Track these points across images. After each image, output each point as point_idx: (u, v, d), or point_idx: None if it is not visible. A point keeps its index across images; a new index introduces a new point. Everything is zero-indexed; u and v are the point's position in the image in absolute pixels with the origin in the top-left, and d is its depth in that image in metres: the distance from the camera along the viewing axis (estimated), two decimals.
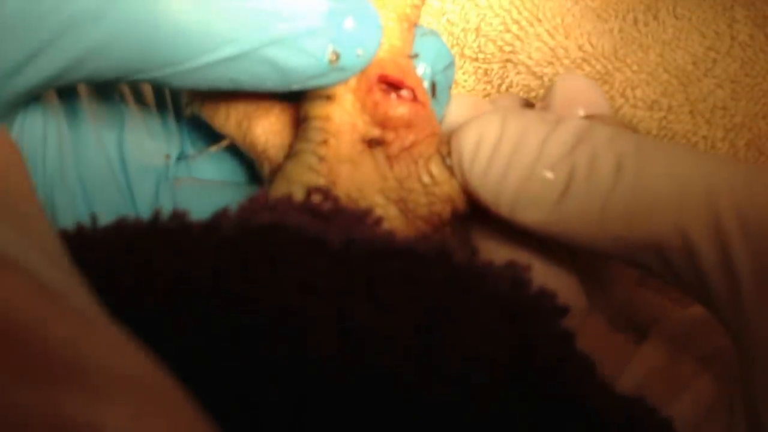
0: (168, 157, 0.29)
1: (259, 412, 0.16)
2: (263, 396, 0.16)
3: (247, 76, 0.23)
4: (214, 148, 0.31)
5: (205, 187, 0.30)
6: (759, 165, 0.36)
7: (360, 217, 0.19)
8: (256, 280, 0.16)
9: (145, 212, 0.28)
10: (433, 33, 0.28)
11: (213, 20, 0.22)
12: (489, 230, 0.25)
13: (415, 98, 0.25)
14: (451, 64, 0.28)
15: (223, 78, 0.23)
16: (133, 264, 0.16)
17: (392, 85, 0.25)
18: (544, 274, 0.25)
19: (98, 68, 0.22)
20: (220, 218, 0.17)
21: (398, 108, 0.24)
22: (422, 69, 0.27)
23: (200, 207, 0.29)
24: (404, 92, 0.25)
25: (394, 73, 0.25)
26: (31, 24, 0.21)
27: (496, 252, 0.25)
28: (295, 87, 0.24)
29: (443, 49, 0.28)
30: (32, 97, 0.25)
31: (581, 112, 0.27)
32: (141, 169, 0.28)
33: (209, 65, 0.23)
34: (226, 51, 0.22)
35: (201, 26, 0.22)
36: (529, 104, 0.30)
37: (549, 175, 0.22)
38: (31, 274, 0.10)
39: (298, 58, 0.23)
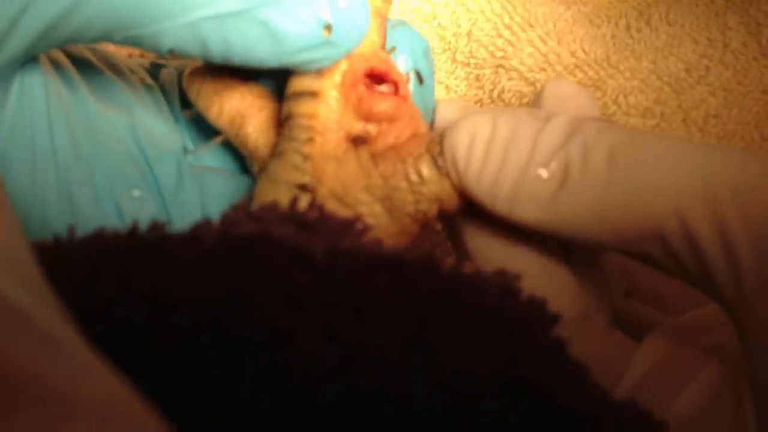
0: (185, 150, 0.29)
1: (242, 427, 0.16)
2: (247, 411, 0.16)
3: (239, 37, 0.23)
4: (218, 140, 0.31)
5: (224, 174, 0.30)
6: (751, 149, 0.36)
7: (346, 226, 0.19)
8: (238, 293, 0.16)
9: (169, 195, 0.27)
10: (402, 23, 0.28)
11: None
12: (484, 233, 0.25)
13: (396, 91, 0.25)
14: (427, 49, 0.28)
15: (215, 38, 0.23)
16: (112, 277, 0.16)
17: (377, 79, 0.25)
18: (540, 274, 0.25)
19: (87, 20, 0.22)
20: (201, 230, 0.17)
21: (381, 103, 0.24)
22: (403, 60, 0.27)
23: (224, 192, 0.29)
24: (384, 87, 0.25)
25: (379, 66, 0.25)
26: None
27: (491, 255, 0.25)
28: (286, 59, 0.24)
29: (416, 36, 0.28)
30: (25, 61, 0.24)
31: None
32: (159, 154, 0.28)
33: (201, 21, 0.22)
34: (220, 6, 0.22)
35: None
36: None
37: (544, 170, 0.22)
38: None
39: (293, 23, 0.23)
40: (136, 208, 0.26)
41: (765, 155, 0.20)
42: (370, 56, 0.25)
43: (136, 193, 0.26)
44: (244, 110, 0.27)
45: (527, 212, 0.22)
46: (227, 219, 0.17)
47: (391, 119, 0.24)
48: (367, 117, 0.24)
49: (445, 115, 0.28)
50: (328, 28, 0.23)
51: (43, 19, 0.21)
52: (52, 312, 0.12)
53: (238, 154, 0.30)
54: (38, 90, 0.25)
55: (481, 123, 0.23)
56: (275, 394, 0.16)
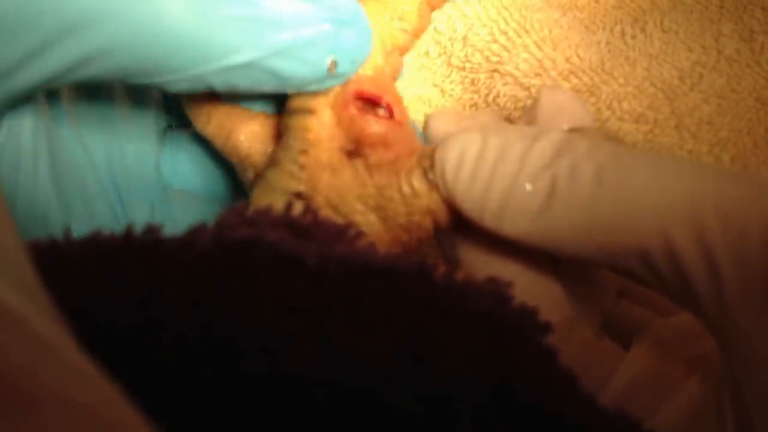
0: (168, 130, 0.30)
1: (234, 428, 0.16)
2: (239, 412, 0.16)
3: (246, 82, 0.24)
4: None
5: (197, 207, 0.30)
6: (740, 171, 0.37)
7: (340, 232, 0.19)
8: (232, 297, 0.16)
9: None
10: None
11: (215, 30, 0.22)
12: (473, 241, 0.25)
13: (391, 116, 0.25)
14: None
15: (222, 84, 0.23)
16: (106, 279, 0.16)
17: (370, 102, 0.25)
18: (528, 284, 0.25)
19: (97, 72, 0.22)
20: (196, 234, 0.17)
21: (373, 126, 0.24)
22: None
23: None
24: (380, 111, 0.25)
25: (370, 89, 0.25)
26: (29, 25, 0.21)
27: (480, 263, 0.25)
28: (291, 91, 0.25)
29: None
30: (25, 98, 0.24)
31: (565, 126, 0.27)
32: (133, 192, 0.28)
33: (210, 73, 0.23)
34: (228, 60, 0.23)
35: (203, 36, 0.22)
36: (509, 121, 0.31)
37: (531, 187, 0.22)
38: None
39: (299, 66, 0.24)
40: None
41: (750, 175, 0.21)
42: (364, 79, 0.25)
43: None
44: (233, 118, 0.27)
45: (514, 227, 0.23)
46: (222, 223, 0.18)
47: (384, 143, 0.24)
48: (359, 138, 0.25)
49: (437, 127, 0.28)
50: (334, 63, 0.24)
51: (54, 65, 0.21)
52: (46, 314, 0.12)
53: (220, 173, 0.30)
54: (27, 125, 0.25)
55: (471, 140, 0.23)
56: (267, 396, 0.16)
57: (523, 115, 0.29)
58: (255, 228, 0.18)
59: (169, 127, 0.31)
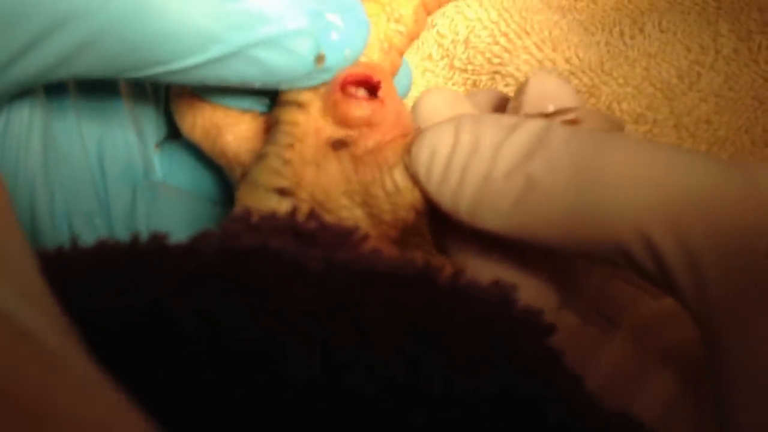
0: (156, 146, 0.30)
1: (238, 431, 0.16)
2: (244, 419, 0.16)
3: (235, 75, 0.24)
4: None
5: (184, 200, 0.30)
6: (721, 159, 0.37)
7: (344, 236, 0.19)
8: (236, 305, 0.16)
9: (119, 225, 0.28)
10: None
11: (199, 22, 0.22)
12: (457, 233, 0.25)
13: (374, 95, 0.25)
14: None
15: (210, 77, 0.24)
16: (112, 288, 0.16)
17: (358, 84, 0.25)
18: (510, 273, 0.25)
19: (86, 66, 0.22)
20: (200, 241, 0.17)
21: (357, 109, 0.24)
22: None
23: (178, 222, 0.29)
24: (361, 92, 0.25)
25: (358, 72, 0.25)
26: (25, 19, 0.21)
27: (464, 254, 0.25)
28: (284, 87, 0.25)
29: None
30: (19, 92, 0.25)
31: (551, 108, 0.27)
32: (116, 179, 0.28)
33: (197, 65, 0.23)
34: (213, 51, 0.23)
35: (187, 27, 0.22)
36: (506, 99, 0.30)
37: (504, 181, 0.22)
38: (3, 314, 0.10)
39: (284, 57, 0.24)
40: (93, 235, 0.27)
41: (736, 165, 0.20)
42: (354, 65, 0.25)
43: (97, 220, 0.27)
44: (218, 121, 0.27)
45: (489, 222, 0.22)
46: (227, 230, 0.18)
47: (369, 124, 0.24)
48: (345, 122, 0.24)
49: (429, 105, 0.28)
50: (321, 58, 0.24)
51: (44, 59, 0.22)
52: (56, 326, 0.12)
53: (208, 174, 0.31)
54: (24, 116, 0.25)
55: (443, 134, 0.23)
56: (272, 401, 0.16)
57: (512, 99, 0.28)
58: (259, 234, 0.18)
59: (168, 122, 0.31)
